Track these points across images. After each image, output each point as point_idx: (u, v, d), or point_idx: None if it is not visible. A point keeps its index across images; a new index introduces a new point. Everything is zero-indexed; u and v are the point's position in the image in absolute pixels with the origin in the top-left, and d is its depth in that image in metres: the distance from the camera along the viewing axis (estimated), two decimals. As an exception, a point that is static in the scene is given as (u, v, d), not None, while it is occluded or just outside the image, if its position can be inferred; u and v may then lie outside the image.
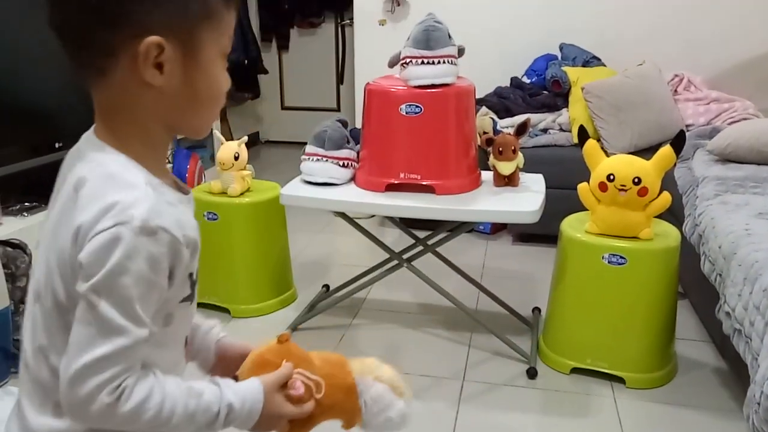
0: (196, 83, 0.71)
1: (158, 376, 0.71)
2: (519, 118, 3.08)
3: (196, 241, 0.73)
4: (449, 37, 1.92)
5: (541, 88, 3.32)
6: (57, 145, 2.72)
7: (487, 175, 2.13)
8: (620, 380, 1.92)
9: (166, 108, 0.71)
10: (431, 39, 1.88)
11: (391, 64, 2.01)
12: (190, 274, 0.75)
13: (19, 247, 2.08)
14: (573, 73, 3.21)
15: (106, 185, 0.67)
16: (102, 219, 0.65)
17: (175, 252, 0.68)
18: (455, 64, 1.94)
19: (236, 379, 0.82)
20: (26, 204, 2.52)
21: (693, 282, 2.22)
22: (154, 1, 0.66)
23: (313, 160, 2.10)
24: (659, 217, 1.92)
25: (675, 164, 2.52)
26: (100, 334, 0.65)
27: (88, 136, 0.74)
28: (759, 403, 1.34)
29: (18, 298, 2.02)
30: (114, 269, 0.64)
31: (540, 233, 2.95)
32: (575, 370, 1.97)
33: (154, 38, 0.66)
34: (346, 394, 0.86)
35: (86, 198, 0.67)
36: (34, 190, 2.61)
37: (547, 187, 2.09)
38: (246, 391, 0.76)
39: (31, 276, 0.76)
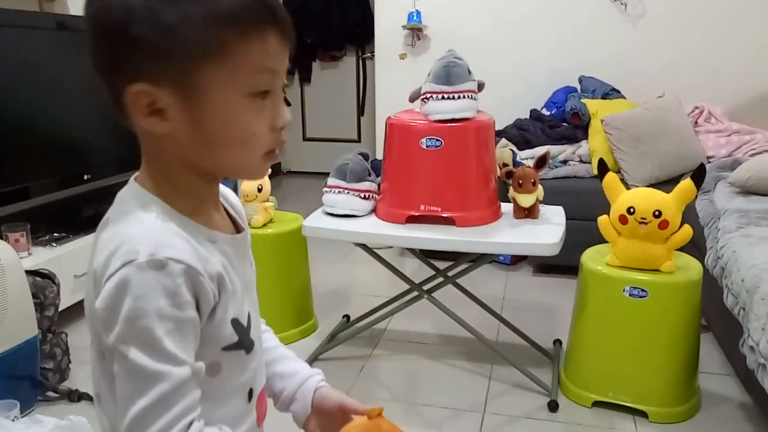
0: (207, 127, 0.64)
1: (224, 430, 0.67)
2: (539, 150, 3.10)
3: (222, 276, 0.66)
4: (469, 72, 1.96)
5: (561, 120, 3.34)
6: (86, 177, 2.80)
7: (507, 207, 2.15)
8: (643, 414, 1.90)
9: (184, 152, 0.66)
10: (451, 75, 1.92)
11: (412, 99, 2.05)
12: (235, 320, 0.69)
13: (48, 277, 2.13)
14: (592, 105, 3.24)
15: (118, 224, 0.64)
16: (111, 261, 0.61)
17: (194, 282, 0.63)
18: (475, 99, 1.97)
19: None
20: (55, 234, 2.59)
21: (716, 315, 2.20)
22: (136, 46, 0.61)
23: (334, 192, 2.13)
24: (681, 249, 1.92)
25: (697, 196, 2.53)
26: (139, 386, 0.61)
27: (130, 180, 0.73)
28: (785, 441, 1.32)
29: (46, 327, 2.07)
30: (130, 315, 0.60)
31: (560, 264, 2.94)
32: (597, 404, 1.95)
33: (137, 86, 0.62)
34: None
35: (102, 241, 0.64)
36: (63, 221, 2.68)
37: (567, 219, 2.10)
38: None
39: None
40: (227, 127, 0.65)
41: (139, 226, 0.63)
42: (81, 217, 2.84)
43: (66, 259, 2.48)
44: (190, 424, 0.62)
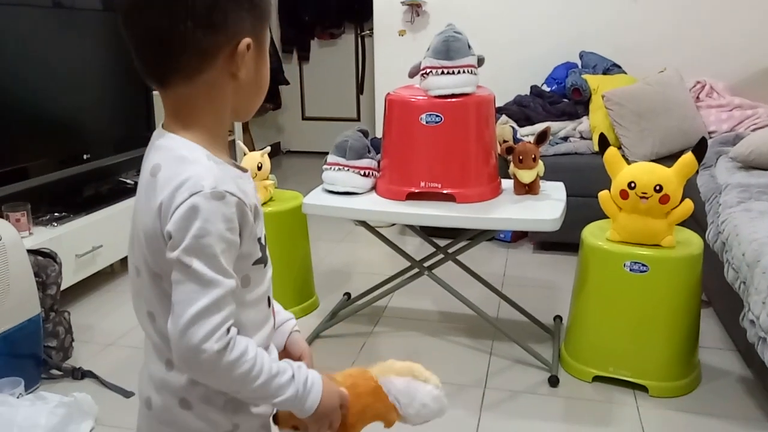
0: (261, 72, 0.84)
1: (250, 338, 0.81)
2: (539, 126, 3.09)
3: (257, 206, 0.83)
4: (469, 47, 1.94)
5: (561, 96, 3.32)
6: (85, 157, 2.79)
7: (507, 184, 2.14)
8: (643, 389, 1.91)
9: (240, 96, 0.83)
10: (451, 49, 1.90)
11: (412, 75, 2.03)
12: (258, 239, 0.84)
13: (50, 256, 2.14)
14: (593, 81, 3.21)
15: (177, 166, 0.77)
16: (178, 193, 0.75)
17: (241, 212, 0.78)
18: (475, 74, 1.95)
19: None
20: (56, 214, 2.58)
21: (717, 290, 2.20)
22: (245, 11, 0.78)
23: (334, 169, 2.12)
24: (682, 224, 1.91)
25: (697, 171, 2.52)
26: (198, 289, 0.74)
27: (158, 130, 0.84)
28: (784, 412, 1.33)
29: (48, 306, 2.08)
30: (198, 233, 0.74)
31: (560, 241, 2.94)
32: (597, 379, 1.97)
33: (248, 40, 0.79)
34: (374, 396, 0.91)
35: (163, 180, 0.77)
36: (64, 201, 2.68)
37: (567, 195, 2.09)
38: (313, 374, 0.86)
39: (130, 254, 0.86)
40: (267, 72, 0.85)
41: (198, 167, 0.77)
42: (81, 196, 2.84)
43: (67, 238, 2.48)
44: (230, 328, 0.76)
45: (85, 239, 2.58)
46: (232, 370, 0.76)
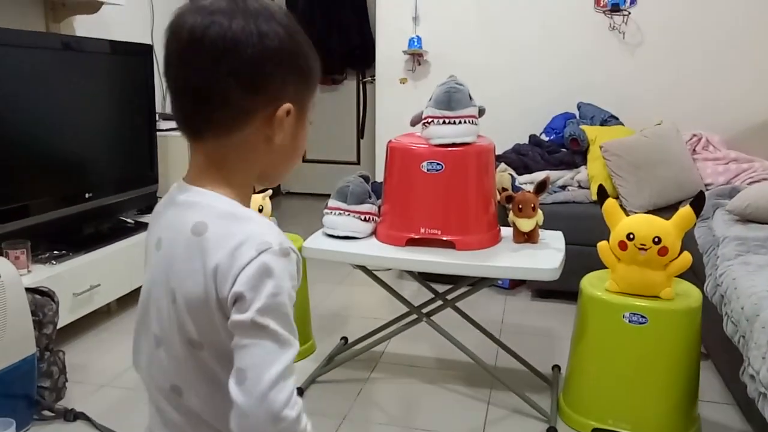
0: (298, 139, 0.82)
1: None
2: (538, 175, 3.12)
3: None
4: (470, 98, 1.99)
5: (560, 146, 3.37)
6: (87, 196, 2.81)
7: (506, 232, 2.16)
8: (643, 442, 1.89)
9: (271, 159, 0.81)
10: (453, 100, 1.94)
11: (413, 123, 2.07)
12: None
13: (47, 294, 2.13)
14: (591, 131, 3.27)
15: (229, 224, 0.74)
16: (240, 252, 0.71)
17: (298, 268, 0.76)
18: (476, 124, 1.99)
19: None
20: (55, 252, 2.58)
21: (716, 343, 2.19)
22: (291, 77, 0.78)
23: (335, 214, 2.14)
24: (680, 276, 1.92)
25: (695, 223, 2.54)
26: (276, 350, 0.69)
27: (181, 185, 0.80)
28: (786, 470, 1.31)
29: (43, 345, 2.06)
30: (274, 291, 0.70)
31: (559, 289, 2.94)
32: (596, 431, 1.94)
33: (288, 106, 0.77)
34: None
35: (214, 239, 0.73)
36: (63, 239, 2.68)
37: (565, 243, 2.10)
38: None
39: (142, 323, 0.81)
40: (304, 141, 0.84)
41: (254, 224, 0.74)
42: (81, 235, 2.85)
43: (65, 276, 2.48)
44: (294, 391, 0.71)
45: (83, 278, 2.58)
46: None
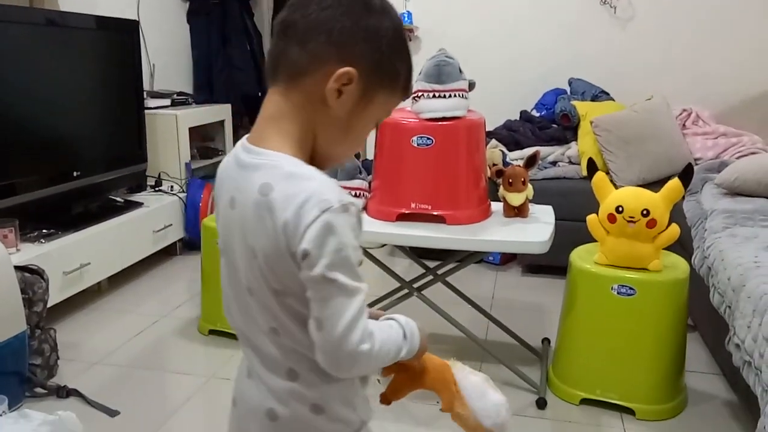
0: (354, 122, 0.85)
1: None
2: (528, 151, 3.12)
3: None
4: (460, 71, 1.97)
5: (550, 122, 3.37)
6: (75, 174, 2.79)
7: (497, 206, 2.16)
8: (630, 411, 1.92)
9: (325, 128, 0.84)
10: (443, 73, 1.93)
11: (403, 97, 2.06)
12: None
13: (37, 272, 2.12)
14: (582, 107, 3.26)
15: (293, 184, 0.78)
16: (304, 211, 0.76)
17: (359, 219, 0.81)
18: (466, 98, 1.98)
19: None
20: (44, 231, 2.57)
21: (703, 314, 2.22)
22: (368, 53, 0.82)
23: (325, 189, 2.13)
24: (668, 249, 1.94)
25: (684, 197, 2.55)
26: (345, 300, 0.78)
27: (248, 147, 0.84)
28: (770, 435, 1.34)
29: (34, 323, 2.06)
30: (337, 247, 0.76)
31: (549, 264, 2.97)
32: (585, 401, 1.97)
33: (350, 69, 0.80)
34: (443, 371, 0.98)
35: (280, 199, 0.78)
36: (52, 218, 2.67)
37: (555, 219, 2.11)
38: (409, 322, 0.92)
39: (227, 276, 0.89)
40: (362, 130, 0.87)
41: (315, 182, 0.78)
42: (70, 213, 2.83)
43: (54, 255, 2.47)
44: (369, 326, 0.81)
45: (72, 257, 2.57)
46: (379, 358, 0.82)
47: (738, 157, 2.96)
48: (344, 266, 0.77)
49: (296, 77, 0.81)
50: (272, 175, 0.79)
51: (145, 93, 3.44)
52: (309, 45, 0.80)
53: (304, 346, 0.82)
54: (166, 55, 3.99)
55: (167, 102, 3.66)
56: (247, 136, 0.86)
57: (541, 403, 1.97)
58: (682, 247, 2.30)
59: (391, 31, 0.84)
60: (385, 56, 0.83)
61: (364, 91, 0.82)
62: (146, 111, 3.36)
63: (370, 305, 2.34)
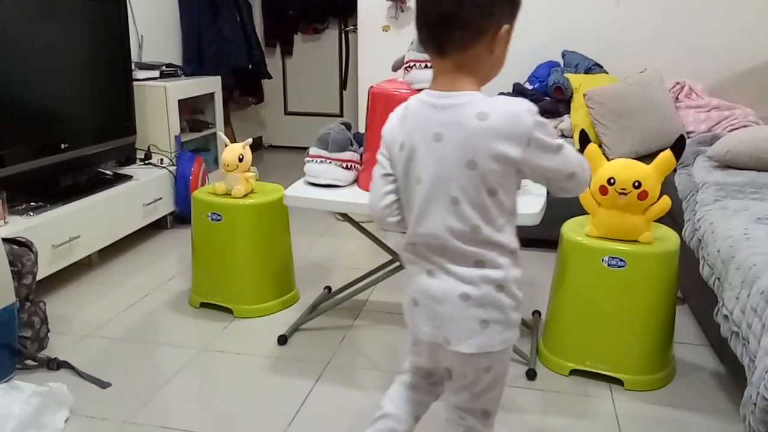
0: (505, 52, 1.12)
1: None
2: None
3: None
4: (452, 41, 1.95)
5: (543, 95, 3.35)
6: (63, 146, 2.76)
7: (488, 179, 2.15)
8: (619, 382, 1.94)
9: (489, 67, 1.12)
10: (435, 43, 1.90)
11: (395, 68, 2.04)
12: None
13: (25, 245, 2.11)
14: (575, 79, 3.24)
15: (497, 106, 1.08)
16: (521, 119, 1.06)
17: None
18: (458, 68, 1.96)
19: None
20: (32, 204, 2.55)
21: (692, 286, 2.24)
22: (512, 10, 1.11)
23: (316, 161, 2.12)
24: (659, 221, 1.94)
25: (675, 170, 2.55)
26: (570, 151, 1.12)
27: (436, 94, 1.11)
28: (755, 404, 1.35)
29: (23, 296, 2.04)
30: (549, 129, 1.09)
31: (540, 238, 2.96)
32: (574, 372, 1.99)
33: (507, 26, 1.09)
34: None
35: (497, 119, 1.06)
36: (40, 190, 2.64)
37: (547, 192, 2.10)
38: None
39: (438, 195, 1.11)
40: (505, 54, 1.13)
41: (514, 101, 1.09)
42: (59, 186, 2.80)
43: (43, 228, 2.45)
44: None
45: (61, 229, 2.55)
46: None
47: (730, 130, 2.96)
48: (555, 137, 1.10)
49: (468, 47, 1.08)
50: (481, 105, 1.08)
51: (133, 64, 3.38)
52: (471, 24, 1.06)
53: (494, 237, 1.12)
54: (155, 25, 3.93)
55: (156, 74, 3.60)
56: (426, 91, 1.13)
57: (531, 375, 1.99)
58: (673, 219, 2.31)
59: None
60: (515, 3, 1.12)
61: (508, 32, 1.10)
62: (135, 83, 3.32)
63: (362, 278, 2.35)
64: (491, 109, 1.07)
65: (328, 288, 2.60)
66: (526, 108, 1.08)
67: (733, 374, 1.92)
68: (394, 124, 1.19)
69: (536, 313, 2.37)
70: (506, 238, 1.14)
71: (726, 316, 1.68)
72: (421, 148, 1.12)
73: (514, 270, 1.16)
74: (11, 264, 1.96)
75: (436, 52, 1.10)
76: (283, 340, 2.20)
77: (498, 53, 1.11)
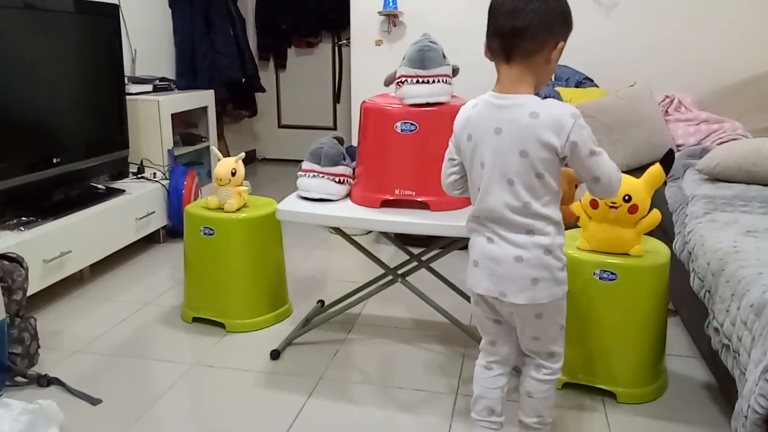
0: (555, 66, 1.40)
1: None
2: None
3: None
4: (444, 57, 1.96)
5: (535, 108, 3.37)
6: (55, 161, 2.75)
7: (480, 192, 2.16)
8: (612, 395, 1.94)
9: (543, 76, 1.40)
10: (426, 59, 1.92)
11: (387, 83, 2.05)
12: None
13: (16, 260, 2.10)
14: (566, 93, 3.27)
15: (547, 107, 1.35)
16: (565, 120, 1.32)
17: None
18: (450, 84, 1.98)
19: None
20: (23, 219, 2.54)
21: (683, 299, 2.25)
22: (567, 30, 1.38)
23: (309, 176, 2.12)
24: (650, 234, 1.95)
25: (665, 183, 2.57)
26: (606, 158, 1.39)
27: (498, 95, 1.38)
28: (746, 417, 1.36)
29: (14, 312, 2.03)
30: (588, 134, 1.35)
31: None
32: (567, 385, 1.99)
33: (562, 43, 1.37)
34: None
35: (546, 118, 1.33)
36: (32, 205, 2.64)
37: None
38: None
39: (496, 177, 1.38)
40: (555, 69, 1.45)
41: (559, 104, 1.37)
42: (50, 201, 2.80)
43: (35, 243, 2.44)
44: None
45: (53, 244, 2.54)
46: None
47: (719, 144, 2.98)
48: (595, 143, 1.36)
49: (530, 57, 1.35)
50: (534, 106, 1.34)
51: (126, 78, 3.39)
52: (537, 38, 1.33)
53: (545, 209, 1.38)
54: (148, 39, 3.94)
55: (149, 88, 3.61)
56: (490, 93, 1.40)
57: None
58: (664, 232, 2.32)
59: (567, 7, 1.39)
60: (569, 25, 1.38)
61: (562, 48, 1.37)
62: (128, 97, 3.32)
63: (355, 292, 2.36)
64: (541, 110, 1.34)
65: (321, 302, 2.60)
66: (570, 112, 1.33)
67: (725, 386, 1.93)
68: (463, 119, 1.45)
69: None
70: (551, 211, 1.40)
71: (716, 329, 1.69)
72: (484, 139, 1.39)
73: (559, 237, 1.42)
74: (1, 279, 1.96)
75: (504, 59, 1.36)
76: (275, 354, 2.19)
77: (552, 65, 1.38)
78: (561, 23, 1.35)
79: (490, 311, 1.55)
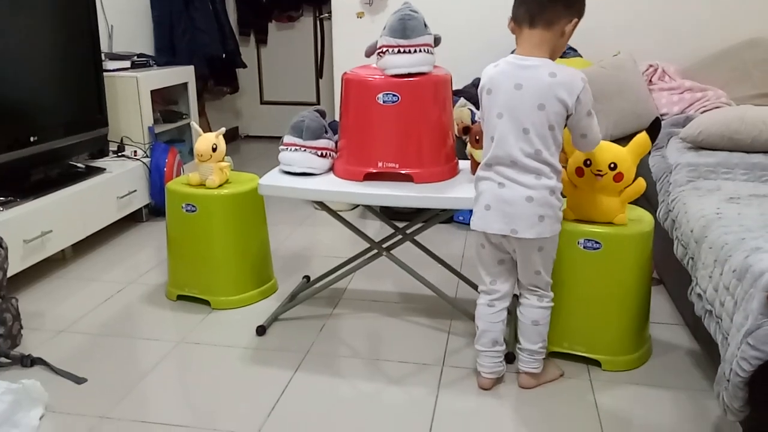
0: (567, 41, 1.66)
1: None
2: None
3: None
4: (425, 26, 1.93)
5: (519, 79, 3.34)
6: (32, 139, 2.70)
7: (465, 165, 2.15)
8: (596, 363, 1.95)
9: (557, 46, 1.65)
10: (407, 28, 1.89)
11: (368, 54, 2.02)
12: None
13: (-5, 240, 2.06)
14: (549, 64, 3.24)
15: (563, 69, 1.60)
16: (576, 81, 1.60)
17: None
18: (432, 53, 1.95)
19: None
20: (1, 198, 2.49)
21: (667, 267, 2.26)
22: (581, 10, 1.64)
23: (291, 150, 2.10)
24: (634, 203, 1.95)
25: (650, 152, 2.57)
26: (595, 120, 1.67)
27: (521, 57, 1.64)
28: (729, 380, 1.37)
29: (-6, 292, 2.00)
30: (590, 98, 1.63)
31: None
32: (552, 354, 2.00)
33: (577, 19, 1.63)
34: None
35: (562, 78, 1.59)
36: (10, 185, 2.59)
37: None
38: None
39: (512, 127, 1.64)
40: (566, 44, 1.71)
41: (574, 70, 1.62)
42: (29, 180, 2.75)
43: (14, 223, 2.40)
44: None
45: (33, 224, 2.50)
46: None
47: (702, 112, 2.98)
48: (593, 106, 1.64)
49: (550, 25, 1.60)
50: (552, 68, 1.60)
51: (103, 55, 3.32)
52: (560, 11, 1.59)
53: (550, 158, 1.63)
54: (125, 15, 3.85)
55: (127, 64, 3.54)
56: (513, 55, 1.65)
57: (510, 358, 1.99)
58: (648, 201, 2.33)
59: None
60: (584, 6, 1.64)
61: (575, 24, 1.62)
62: (105, 73, 3.25)
63: (341, 267, 2.35)
64: (558, 72, 1.60)
65: (307, 277, 2.59)
66: (581, 76, 1.61)
67: (707, 351, 1.95)
68: (486, 78, 1.69)
69: (514, 297, 2.37)
70: (555, 160, 1.65)
71: (699, 295, 1.70)
72: (505, 93, 1.63)
73: (559, 183, 1.67)
74: (-20, 260, 1.92)
75: (529, 24, 1.61)
76: (261, 330, 2.19)
77: (565, 38, 1.63)
78: (580, 2, 1.62)
79: (495, 251, 1.77)
